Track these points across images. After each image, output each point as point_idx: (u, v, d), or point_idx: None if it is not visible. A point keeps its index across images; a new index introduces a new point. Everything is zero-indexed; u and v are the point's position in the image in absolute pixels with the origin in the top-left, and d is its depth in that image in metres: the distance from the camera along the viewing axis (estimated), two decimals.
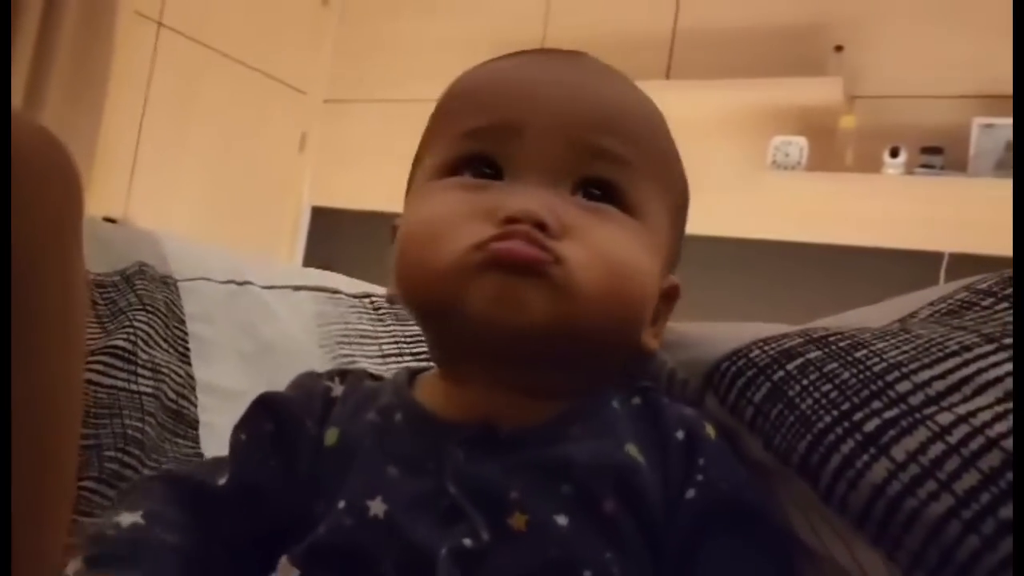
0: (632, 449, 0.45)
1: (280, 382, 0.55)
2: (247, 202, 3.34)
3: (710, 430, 0.47)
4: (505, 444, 0.45)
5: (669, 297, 0.54)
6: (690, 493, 0.44)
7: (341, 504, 0.44)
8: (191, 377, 0.91)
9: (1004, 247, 2.20)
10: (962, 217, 2.60)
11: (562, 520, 0.42)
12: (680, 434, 0.46)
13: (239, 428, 0.51)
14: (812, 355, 0.48)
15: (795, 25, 2.89)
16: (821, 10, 2.87)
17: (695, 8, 3.04)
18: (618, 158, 0.47)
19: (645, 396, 0.49)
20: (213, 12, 3.12)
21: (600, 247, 0.45)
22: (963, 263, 2.48)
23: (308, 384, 0.52)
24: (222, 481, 0.48)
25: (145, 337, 0.88)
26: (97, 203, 2.52)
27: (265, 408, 0.51)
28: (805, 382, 0.47)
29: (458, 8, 3.39)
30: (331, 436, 0.48)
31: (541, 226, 0.44)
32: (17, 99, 2.46)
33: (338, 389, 0.52)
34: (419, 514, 0.43)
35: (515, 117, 0.47)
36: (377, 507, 0.43)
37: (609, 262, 0.45)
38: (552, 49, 0.54)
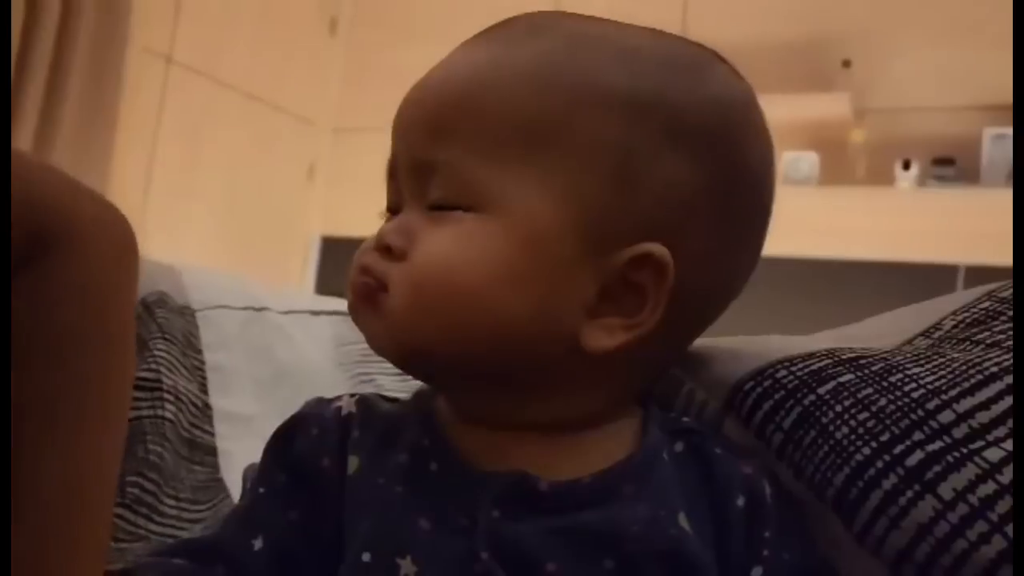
0: (684, 520, 0.41)
1: (297, 405, 0.51)
2: (257, 233, 3.35)
3: (769, 489, 0.44)
4: (546, 500, 0.41)
5: (635, 268, 0.41)
6: (757, 572, 0.41)
7: (366, 557, 0.41)
8: (208, 407, 0.91)
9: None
10: (976, 229, 2.58)
11: None
12: (741, 501, 0.42)
13: (257, 481, 0.46)
14: (844, 378, 0.46)
15: (802, 41, 2.90)
16: (828, 26, 2.88)
17: (702, 26, 3.05)
18: (443, 167, 0.42)
19: (688, 441, 0.45)
20: (221, 46, 3.14)
21: (422, 259, 0.41)
22: (979, 275, 2.46)
23: (317, 413, 0.47)
24: (258, 545, 0.44)
25: (167, 365, 0.88)
26: None
27: (277, 456, 0.46)
28: (839, 408, 0.44)
29: (465, 35, 3.39)
30: (352, 463, 0.44)
31: (388, 249, 0.43)
32: (28, 137, 2.48)
33: (350, 407, 0.47)
34: None
35: (393, 153, 0.46)
36: (408, 567, 0.40)
37: (426, 275, 0.41)
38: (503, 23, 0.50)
